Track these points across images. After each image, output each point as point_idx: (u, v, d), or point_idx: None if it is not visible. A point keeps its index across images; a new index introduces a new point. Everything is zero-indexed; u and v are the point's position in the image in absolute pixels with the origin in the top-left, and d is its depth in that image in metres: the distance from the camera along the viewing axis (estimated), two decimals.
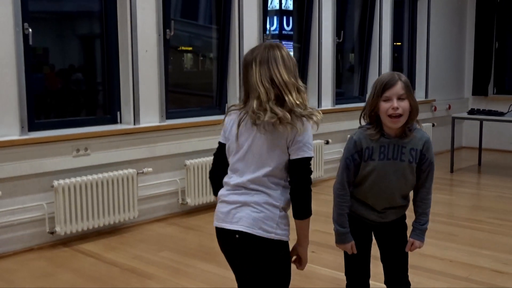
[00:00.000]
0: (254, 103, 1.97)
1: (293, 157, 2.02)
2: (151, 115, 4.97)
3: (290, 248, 2.14)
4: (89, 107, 5.08)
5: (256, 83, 1.99)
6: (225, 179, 2.12)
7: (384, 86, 2.30)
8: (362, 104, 7.26)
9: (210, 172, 2.23)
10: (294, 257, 2.19)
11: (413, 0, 8.30)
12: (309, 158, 2.03)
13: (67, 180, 4.29)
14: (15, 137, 4.16)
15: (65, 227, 4.28)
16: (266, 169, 2.02)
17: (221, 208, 2.10)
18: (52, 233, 4.28)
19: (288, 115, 1.96)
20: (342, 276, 3.72)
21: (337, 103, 6.96)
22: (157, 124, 5.02)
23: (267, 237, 2.02)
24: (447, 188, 6.50)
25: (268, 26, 6.47)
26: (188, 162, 5.11)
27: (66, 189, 4.26)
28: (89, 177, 4.41)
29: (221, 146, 2.17)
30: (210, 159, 5.10)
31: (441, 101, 8.59)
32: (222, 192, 2.12)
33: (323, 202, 5.83)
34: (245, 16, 5.71)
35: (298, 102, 1.99)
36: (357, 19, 7.60)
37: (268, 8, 6.46)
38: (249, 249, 2.04)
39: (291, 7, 6.80)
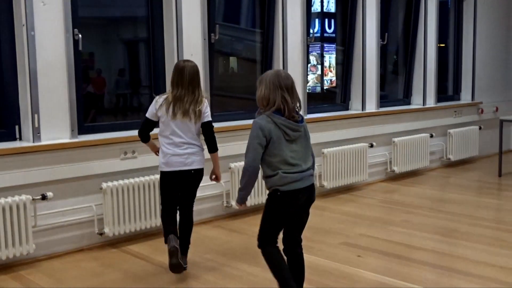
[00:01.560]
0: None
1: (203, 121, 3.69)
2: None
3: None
4: (134, 111, 5.14)
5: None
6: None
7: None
8: (407, 107, 7.21)
9: None
10: (213, 176, 3.89)
11: (458, 1, 8.10)
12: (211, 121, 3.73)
13: (115, 182, 4.34)
14: (66, 140, 4.24)
15: (113, 229, 4.33)
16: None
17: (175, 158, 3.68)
18: (101, 234, 4.34)
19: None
20: (388, 280, 3.66)
21: (381, 106, 6.85)
22: None
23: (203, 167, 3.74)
24: (495, 193, 6.31)
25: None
26: (232, 165, 5.10)
27: (114, 191, 4.31)
28: (137, 179, 4.45)
29: None
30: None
31: (488, 104, 8.35)
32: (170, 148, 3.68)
33: (366, 206, 5.79)
34: (289, 19, 5.68)
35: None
36: (402, 20, 7.47)
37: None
38: (198, 176, 3.75)
39: (333, 10, 6.73)
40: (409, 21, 7.39)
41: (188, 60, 3.73)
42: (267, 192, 3.02)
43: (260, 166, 2.95)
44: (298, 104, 2.97)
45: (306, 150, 3.02)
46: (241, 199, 3.08)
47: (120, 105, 5.06)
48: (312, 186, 3.02)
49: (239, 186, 3.06)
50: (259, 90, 2.98)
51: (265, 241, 3.03)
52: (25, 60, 4.02)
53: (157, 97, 3.71)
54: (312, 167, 3.07)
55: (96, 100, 4.95)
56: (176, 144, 3.64)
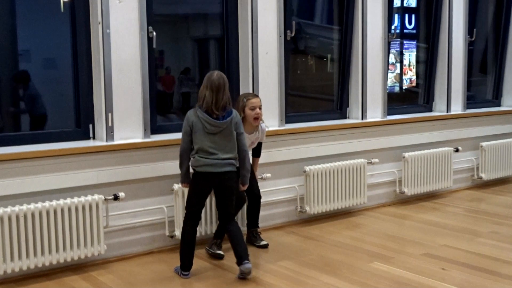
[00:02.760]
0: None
1: None
2: (270, 118, 4.95)
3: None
4: None
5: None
6: None
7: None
8: (497, 109, 6.89)
9: None
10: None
11: None
12: None
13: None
14: (139, 139, 4.29)
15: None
16: None
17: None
18: (171, 236, 4.37)
19: None
20: None
21: (468, 108, 6.61)
22: (276, 128, 5.00)
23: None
24: None
25: None
26: (307, 168, 5.02)
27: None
28: None
29: None
30: (331, 165, 5.06)
31: None
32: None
33: (451, 215, 5.58)
34: (369, 15, 5.56)
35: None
36: (491, 15, 7.14)
37: None
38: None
39: (413, 4, 6.51)
40: (500, 15, 7.05)
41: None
42: None
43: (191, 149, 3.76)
44: (227, 104, 3.71)
45: (228, 143, 3.74)
46: (181, 178, 3.89)
47: (191, 104, 5.08)
48: (226, 173, 3.75)
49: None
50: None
51: (186, 217, 3.84)
52: (100, 59, 4.11)
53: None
54: (236, 159, 3.78)
55: (165, 99, 5.01)
56: None
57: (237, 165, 3.84)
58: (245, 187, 3.99)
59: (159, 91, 4.85)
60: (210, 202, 4.40)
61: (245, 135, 3.96)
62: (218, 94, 3.68)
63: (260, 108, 4.27)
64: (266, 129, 4.52)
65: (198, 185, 3.80)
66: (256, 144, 4.44)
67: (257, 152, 4.54)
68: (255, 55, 4.82)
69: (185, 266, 3.84)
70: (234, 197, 3.87)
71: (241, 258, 3.74)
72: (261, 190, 4.56)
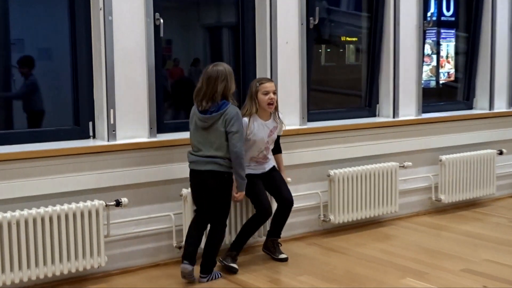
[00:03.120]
0: None
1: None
2: (291, 116, 4.95)
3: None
4: None
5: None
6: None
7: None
8: None
9: None
10: None
11: None
12: None
13: None
14: (144, 139, 4.32)
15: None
16: None
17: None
18: (179, 247, 4.36)
19: None
20: None
21: None
22: (297, 127, 5.00)
23: None
24: None
25: None
26: (332, 172, 5.01)
27: None
28: None
29: None
30: (358, 169, 5.08)
31: None
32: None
33: (493, 226, 5.56)
34: (402, 0, 5.54)
35: None
36: None
37: None
38: None
39: None
40: None
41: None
42: None
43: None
44: (216, 97, 3.86)
45: (217, 140, 3.89)
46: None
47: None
48: (207, 173, 3.91)
49: None
50: None
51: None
52: (102, 48, 4.13)
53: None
54: (225, 158, 3.90)
55: (173, 94, 5.04)
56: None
57: (229, 166, 3.93)
58: (239, 196, 4.05)
59: (168, 85, 4.86)
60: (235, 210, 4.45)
61: (252, 130, 4.25)
62: (208, 86, 3.87)
63: (274, 93, 4.35)
64: (284, 126, 4.56)
65: (190, 183, 4.07)
66: (275, 134, 4.46)
67: (277, 147, 4.57)
68: (273, 45, 4.82)
69: (185, 255, 4.00)
70: (218, 200, 3.97)
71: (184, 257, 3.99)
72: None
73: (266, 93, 4.31)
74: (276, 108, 4.41)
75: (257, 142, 4.34)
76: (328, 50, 5.92)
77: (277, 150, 4.58)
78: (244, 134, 4.05)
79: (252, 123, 4.31)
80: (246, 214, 4.55)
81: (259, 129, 4.34)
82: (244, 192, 4.05)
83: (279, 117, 4.47)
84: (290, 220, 4.60)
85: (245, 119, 4.28)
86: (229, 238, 4.45)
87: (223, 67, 3.92)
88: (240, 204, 4.51)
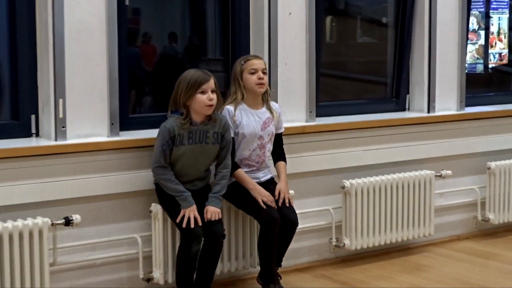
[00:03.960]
0: None
1: None
2: (294, 109, 4.96)
3: None
4: None
5: None
6: None
7: (199, 82, 4.13)
8: None
9: None
10: None
11: None
12: None
13: None
14: (103, 138, 4.31)
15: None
16: None
17: None
18: (148, 280, 4.36)
19: None
20: None
21: None
22: (303, 124, 5.03)
23: None
24: None
25: None
26: (347, 183, 5.01)
27: None
28: None
29: None
30: (382, 179, 5.08)
31: None
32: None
33: None
34: None
35: None
36: None
37: None
38: None
39: None
40: None
41: None
42: None
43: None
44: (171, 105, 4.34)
45: None
46: None
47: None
48: None
49: None
50: None
51: None
52: (49, 20, 4.11)
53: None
54: None
55: (142, 79, 5.04)
56: None
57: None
58: (210, 215, 4.19)
59: (134, 68, 4.85)
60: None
61: (239, 121, 4.39)
62: None
63: (264, 73, 4.44)
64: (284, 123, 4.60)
65: None
66: (271, 126, 4.50)
67: (278, 152, 4.61)
68: (272, 17, 4.83)
69: None
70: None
71: None
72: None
73: (254, 72, 4.40)
74: (268, 95, 4.50)
75: (247, 137, 4.39)
76: (343, 23, 5.92)
77: (278, 156, 4.61)
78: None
79: (239, 113, 4.38)
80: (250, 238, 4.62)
81: (248, 120, 4.41)
82: (213, 208, 4.20)
83: (274, 105, 4.55)
84: (293, 245, 4.60)
85: (230, 108, 4.37)
86: (227, 265, 4.54)
87: (187, 71, 4.28)
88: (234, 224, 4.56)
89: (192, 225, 4.07)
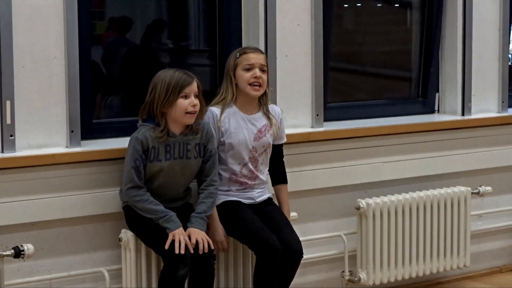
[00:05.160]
0: None
1: None
2: (297, 112, 4.97)
3: None
4: None
5: None
6: None
7: (181, 85, 4.12)
8: None
9: None
10: None
11: None
12: None
13: None
14: (60, 149, 4.31)
15: None
16: None
17: None
18: None
19: None
20: None
21: None
22: (308, 130, 5.05)
23: None
24: None
25: None
26: (363, 202, 5.03)
27: None
28: None
29: None
30: (405, 197, 5.14)
31: None
32: None
33: None
34: None
35: None
36: None
37: None
38: None
39: None
40: None
41: None
42: None
43: None
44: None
45: None
46: None
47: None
48: None
49: None
50: None
51: None
52: None
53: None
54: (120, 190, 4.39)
55: (109, 76, 5.07)
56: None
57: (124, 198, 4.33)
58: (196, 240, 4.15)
59: (99, 63, 4.87)
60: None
61: (226, 128, 4.39)
62: None
63: (263, 71, 4.40)
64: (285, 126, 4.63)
65: None
66: (268, 137, 4.51)
67: (278, 172, 4.65)
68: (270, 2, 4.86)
69: None
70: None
71: None
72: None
73: (249, 68, 4.36)
74: (266, 97, 4.46)
75: (235, 147, 4.40)
76: (358, 5, 5.94)
77: (279, 177, 4.65)
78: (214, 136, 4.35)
79: (227, 118, 4.38)
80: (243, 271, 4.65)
81: (238, 127, 4.41)
82: (196, 230, 4.16)
83: (274, 109, 4.54)
84: (297, 280, 4.61)
85: (215, 110, 4.38)
86: None
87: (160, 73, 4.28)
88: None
89: (183, 251, 4.00)
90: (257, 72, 4.34)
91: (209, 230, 4.29)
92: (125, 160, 4.17)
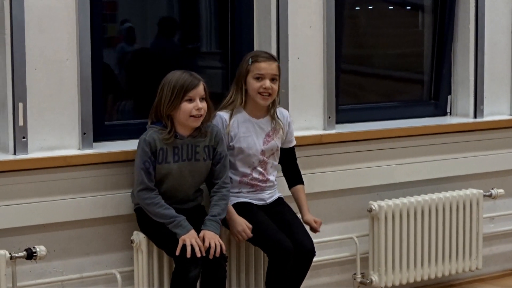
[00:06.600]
0: None
1: None
2: (309, 114, 5.00)
3: None
4: None
5: None
6: None
7: (186, 89, 4.11)
8: None
9: None
10: None
11: None
12: None
13: None
14: (72, 151, 4.32)
15: None
16: None
17: None
18: None
19: None
20: None
21: None
22: (320, 132, 5.07)
23: None
24: None
25: None
26: (375, 205, 5.02)
27: None
28: None
29: None
30: (418, 200, 5.11)
31: None
32: None
33: None
34: None
35: None
36: None
37: None
38: None
39: None
40: None
41: None
42: None
43: None
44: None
45: None
46: None
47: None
48: None
49: None
50: None
51: None
52: (4, 6, 4.11)
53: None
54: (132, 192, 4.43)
55: (122, 78, 5.08)
56: None
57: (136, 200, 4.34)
58: (208, 243, 4.10)
59: (111, 65, 4.87)
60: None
61: (235, 132, 4.40)
62: None
63: (273, 80, 4.39)
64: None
65: None
66: (276, 140, 4.52)
67: (293, 173, 4.66)
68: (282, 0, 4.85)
69: None
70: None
71: None
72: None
73: (259, 78, 4.35)
74: (274, 102, 4.45)
75: (245, 152, 4.41)
76: (370, 7, 5.94)
77: (295, 179, 4.65)
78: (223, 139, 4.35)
79: (235, 123, 4.38)
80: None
81: (247, 131, 4.42)
82: (210, 233, 4.12)
83: (282, 113, 4.55)
84: (308, 281, 4.60)
85: (223, 115, 4.39)
86: None
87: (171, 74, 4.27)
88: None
89: (198, 254, 3.98)
90: (266, 83, 4.32)
91: (229, 225, 4.34)
92: (135, 162, 4.18)
